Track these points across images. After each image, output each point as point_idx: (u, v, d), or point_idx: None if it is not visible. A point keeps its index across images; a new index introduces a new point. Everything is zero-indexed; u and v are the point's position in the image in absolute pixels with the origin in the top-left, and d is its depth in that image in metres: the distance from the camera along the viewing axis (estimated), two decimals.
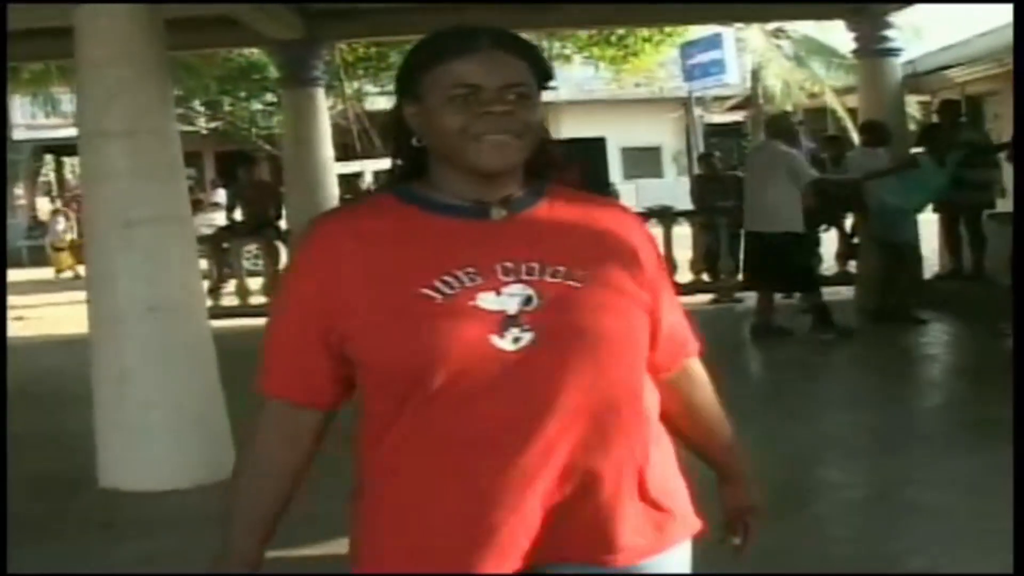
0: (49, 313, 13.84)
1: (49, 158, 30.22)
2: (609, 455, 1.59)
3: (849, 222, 11.29)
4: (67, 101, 20.93)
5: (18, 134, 25.75)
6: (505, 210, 1.63)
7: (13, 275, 17.06)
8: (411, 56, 1.65)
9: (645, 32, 17.53)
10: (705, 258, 11.73)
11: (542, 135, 1.65)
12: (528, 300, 1.56)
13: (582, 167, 7.25)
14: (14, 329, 11.27)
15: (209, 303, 8.68)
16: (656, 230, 10.62)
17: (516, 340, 1.53)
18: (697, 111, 26.62)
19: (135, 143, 5.48)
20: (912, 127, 11.98)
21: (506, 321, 1.54)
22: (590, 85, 24.91)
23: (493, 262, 1.57)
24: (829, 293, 10.58)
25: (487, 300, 1.54)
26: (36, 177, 30.00)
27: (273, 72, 15.87)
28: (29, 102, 24.04)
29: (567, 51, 19.46)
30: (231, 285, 12.24)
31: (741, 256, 10.06)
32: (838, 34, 15.28)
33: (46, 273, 20.58)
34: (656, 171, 28.05)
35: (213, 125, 24.07)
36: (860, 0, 10.23)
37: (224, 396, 5.61)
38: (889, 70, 10.59)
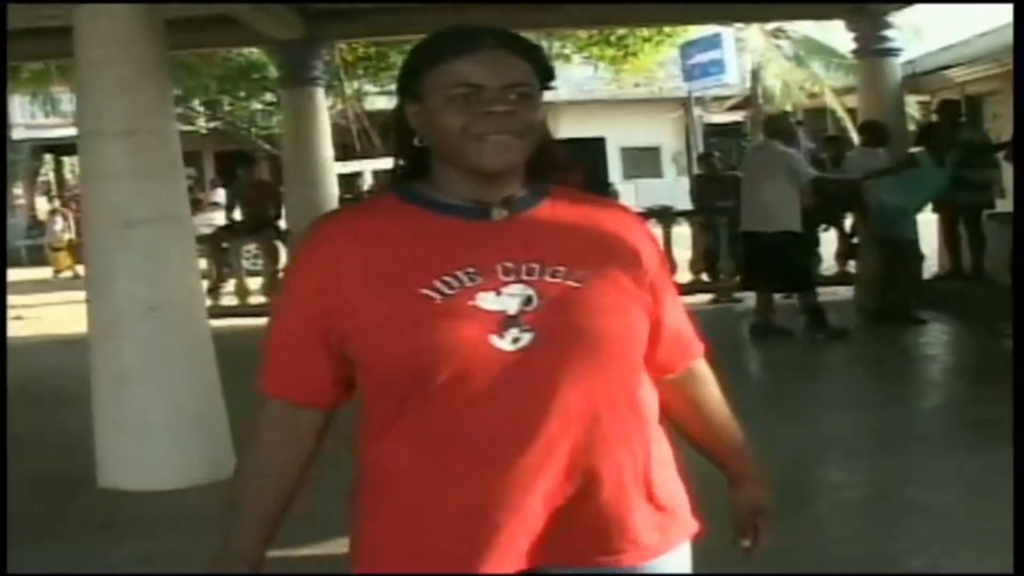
0: (48, 313, 13.84)
1: (48, 158, 30.20)
2: (610, 456, 1.59)
3: (848, 222, 11.29)
4: (67, 101, 20.92)
5: (17, 133, 25.74)
6: (506, 210, 1.63)
7: (12, 275, 17.05)
8: (413, 56, 1.65)
9: (645, 32, 17.52)
10: (705, 258, 11.74)
11: (544, 135, 1.65)
12: (528, 300, 1.55)
13: (585, 168, 7.24)
14: (13, 329, 11.26)
15: (208, 303, 8.68)
16: (656, 230, 10.61)
17: (516, 340, 1.53)
18: (696, 111, 26.62)
19: (134, 143, 5.48)
20: (912, 127, 11.97)
21: (506, 321, 1.53)
22: (589, 85, 24.89)
23: (493, 262, 1.57)
24: (828, 293, 10.60)
25: (487, 300, 1.54)
26: (35, 177, 29.98)
27: (273, 72, 15.84)
28: (28, 102, 24.02)
29: (567, 51, 19.44)
30: (230, 285, 12.25)
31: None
32: (838, 34, 15.30)
33: (45, 273, 20.58)
34: (655, 171, 28.04)
35: (213, 125, 24.06)
36: (860, 0, 10.23)
37: (224, 396, 5.61)
38: (889, 70, 10.60)
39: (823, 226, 11.08)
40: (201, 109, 23.52)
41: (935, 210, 10.42)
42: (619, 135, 23.31)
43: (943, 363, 8.37)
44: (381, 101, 21.83)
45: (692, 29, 20.51)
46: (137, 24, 5.50)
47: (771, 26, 22.32)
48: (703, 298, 11.21)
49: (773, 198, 8.44)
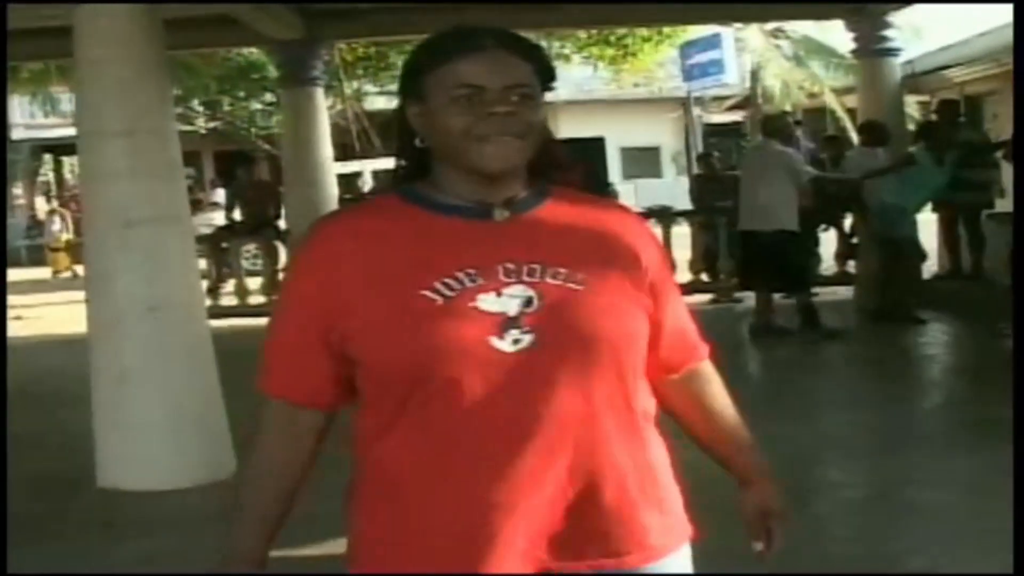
0: (48, 313, 13.84)
1: (48, 158, 30.20)
2: (611, 458, 1.59)
3: (848, 222, 11.30)
4: (66, 101, 20.90)
5: (17, 134, 25.73)
6: (508, 211, 1.63)
7: (12, 275, 17.06)
8: (415, 56, 1.65)
9: (644, 32, 17.51)
10: (704, 258, 11.74)
11: (545, 136, 1.65)
12: (529, 302, 1.55)
13: (586, 168, 7.24)
14: (13, 329, 11.27)
15: (208, 303, 8.68)
16: (655, 230, 10.60)
17: (516, 342, 1.53)
18: (696, 111, 26.61)
19: (134, 143, 5.48)
20: (911, 127, 11.97)
21: (506, 323, 1.53)
22: (589, 85, 24.87)
23: (495, 263, 1.57)
24: (828, 293, 10.62)
25: (487, 301, 1.54)
26: (35, 177, 29.97)
27: (272, 72, 15.85)
28: (28, 102, 24.01)
29: (566, 51, 19.44)
30: (230, 285, 12.24)
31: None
32: (837, 34, 15.31)
33: (45, 273, 20.59)
34: (655, 171, 28.04)
35: (212, 125, 24.05)
36: (859, 0, 10.23)
37: (224, 396, 5.61)
38: (888, 70, 10.60)
39: (823, 226, 11.08)
40: (201, 109, 23.51)
41: (934, 210, 10.43)
42: (618, 135, 23.30)
43: (943, 363, 8.37)
44: (381, 101, 21.84)
45: (691, 29, 20.49)
46: (137, 24, 5.50)
47: (771, 26, 22.32)
48: (703, 298, 11.21)
49: (771, 197, 8.44)
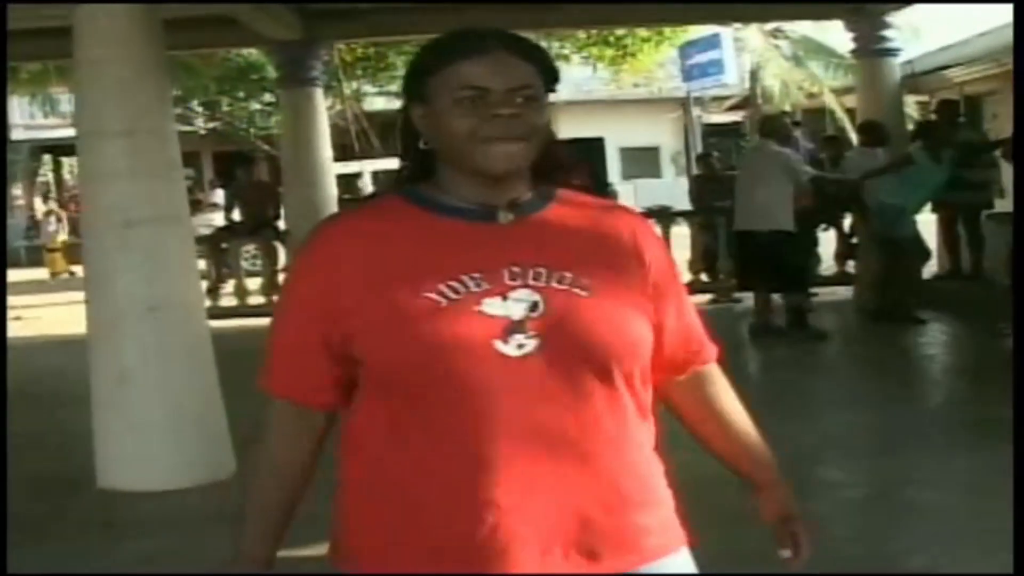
0: (47, 313, 13.84)
1: (47, 158, 30.20)
2: (612, 462, 1.59)
3: (848, 222, 11.30)
4: (65, 101, 20.90)
5: (16, 134, 25.72)
6: (512, 213, 1.63)
7: (11, 275, 17.05)
8: (419, 58, 1.65)
9: (644, 32, 17.52)
10: (704, 258, 11.75)
11: (549, 138, 1.65)
12: (534, 306, 1.55)
13: (589, 168, 7.26)
14: (13, 329, 11.26)
15: (207, 303, 8.68)
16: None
17: (520, 346, 1.53)
18: (695, 111, 26.63)
19: (134, 143, 5.48)
20: (910, 127, 11.98)
21: (511, 327, 1.53)
22: (588, 85, 24.88)
23: (500, 266, 1.57)
24: (828, 293, 10.62)
25: (492, 305, 1.54)
26: (34, 177, 29.98)
27: (271, 72, 15.84)
28: (27, 102, 24.01)
29: (565, 51, 19.44)
30: (230, 285, 12.24)
31: None
32: (837, 34, 15.33)
33: (44, 274, 20.60)
34: (654, 171, 28.04)
35: (211, 125, 24.06)
36: (859, 0, 10.23)
37: (223, 396, 5.61)
38: (887, 70, 10.60)
39: (823, 226, 11.09)
40: (200, 109, 23.53)
41: (934, 210, 10.43)
42: (618, 135, 23.30)
43: (943, 363, 8.38)
44: (380, 101, 21.85)
45: (691, 29, 20.51)
46: (136, 24, 5.50)
47: (770, 26, 22.33)
48: (702, 298, 11.21)
49: (767, 197, 8.45)
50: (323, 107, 11.47)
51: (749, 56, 24.41)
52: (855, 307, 10.39)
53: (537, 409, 1.53)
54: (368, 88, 21.66)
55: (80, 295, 6.06)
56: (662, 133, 28.57)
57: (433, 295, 1.54)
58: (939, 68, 15.29)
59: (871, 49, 10.49)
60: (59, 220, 21.65)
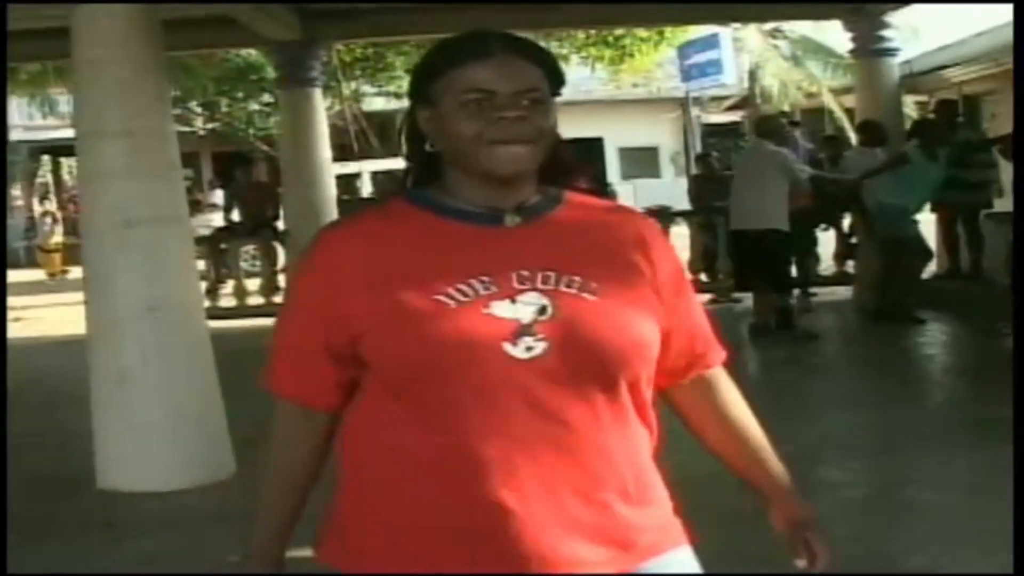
0: (47, 314, 13.83)
1: (46, 159, 30.18)
2: (615, 465, 1.59)
3: (847, 222, 11.30)
4: (64, 102, 20.88)
5: (15, 135, 25.67)
6: (519, 216, 1.63)
7: (11, 276, 17.04)
8: (425, 61, 1.65)
9: (642, 32, 17.52)
10: (703, 258, 11.75)
11: (555, 139, 1.65)
12: (543, 310, 1.55)
13: (589, 169, 7.27)
14: (13, 330, 11.26)
15: (207, 304, 8.68)
16: None
17: (529, 349, 1.53)
18: (694, 111, 26.62)
19: (133, 143, 5.48)
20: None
21: (519, 330, 1.53)
22: (587, 85, 24.84)
23: (508, 270, 1.57)
24: (827, 293, 10.62)
25: (501, 308, 1.54)
26: (33, 178, 29.96)
27: (270, 72, 15.82)
28: (26, 103, 23.99)
29: (564, 51, 19.42)
30: (229, 286, 12.24)
31: None
32: (835, 34, 15.30)
33: (43, 274, 20.58)
34: (654, 171, 28.02)
35: (210, 126, 24.03)
36: (858, 0, 10.24)
37: (223, 396, 5.61)
38: (886, 70, 10.61)
39: (822, 226, 11.09)
40: (199, 110, 23.50)
41: (933, 210, 10.43)
42: (617, 135, 23.31)
43: (943, 363, 8.38)
44: (379, 102, 21.84)
45: (690, 29, 20.50)
46: (135, 25, 5.50)
47: (769, 26, 22.31)
48: (702, 298, 11.18)
49: (761, 197, 8.46)
50: (322, 107, 11.47)
51: (748, 56, 24.39)
52: (855, 307, 10.39)
53: (543, 411, 1.53)
54: (367, 88, 21.64)
55: (79, 296, 6.05)
56: (661, 133, 28.55)
57: (441, 297, 1.54)
58: (937, 68, 15.31)
59: (870, 49, 10.50)
60: (55, 221, 21.62)
